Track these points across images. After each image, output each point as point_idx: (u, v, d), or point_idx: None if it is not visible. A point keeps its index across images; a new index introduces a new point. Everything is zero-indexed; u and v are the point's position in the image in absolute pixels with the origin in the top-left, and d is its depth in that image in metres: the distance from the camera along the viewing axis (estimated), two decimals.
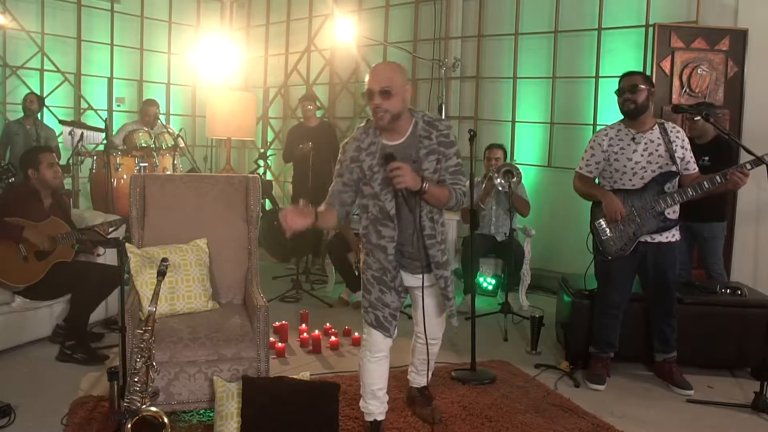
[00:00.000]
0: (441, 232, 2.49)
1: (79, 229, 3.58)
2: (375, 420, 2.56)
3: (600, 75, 5.11)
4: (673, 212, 3.21)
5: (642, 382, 3.41)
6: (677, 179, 3.21)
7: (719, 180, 3.02)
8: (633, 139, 3.22)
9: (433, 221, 2.43)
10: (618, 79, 3.28)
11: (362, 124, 2.49)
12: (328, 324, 4.04)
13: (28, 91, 6.02)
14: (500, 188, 4.35)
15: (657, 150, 3.19)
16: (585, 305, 3.50)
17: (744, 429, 2.92)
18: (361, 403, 2.60)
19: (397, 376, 3.30)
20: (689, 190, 3.11)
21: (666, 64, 4.28)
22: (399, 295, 2.51)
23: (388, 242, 2.40)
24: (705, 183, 3.06)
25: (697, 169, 3.24)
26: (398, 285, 2.50)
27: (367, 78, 2.33)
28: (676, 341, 3.34)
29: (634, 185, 3.22)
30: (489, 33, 5.75)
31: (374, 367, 2.50)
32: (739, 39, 4.26)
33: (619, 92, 3.22)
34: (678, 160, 3.16)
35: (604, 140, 3.28)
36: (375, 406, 2.55)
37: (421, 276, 2.41)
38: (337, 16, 6.30)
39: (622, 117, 3.31)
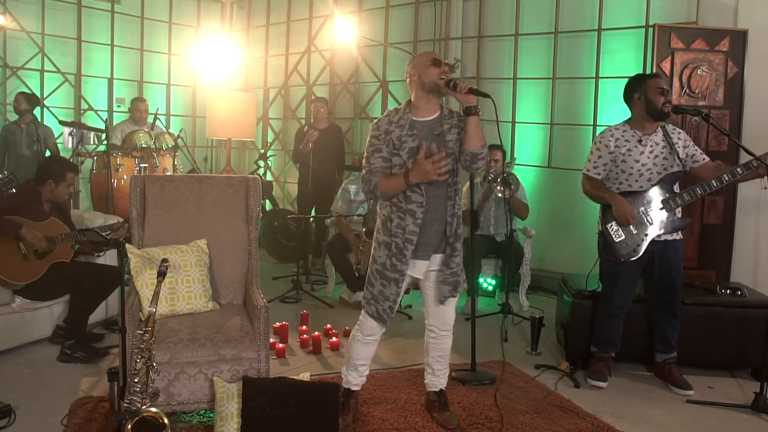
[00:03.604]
0: (459, 213, 2.68)
1: (79, 230, 3.58)
2: (350, 389, 2.81)
3: (600, 76, 5.11)
4: (679, 212, 3.25)
5: (642, 383, 3.41)
6: (680, 180, 3.24)
7: (741, 171, 3.03)
8: (640, 141, 3.23)
9: (457, 193, 2.64)
10: (646, 75, 3.28)
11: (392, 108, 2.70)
12: (328, 324, 4.04)
13: (28, 92, 6.02)
14: (499, 195, 4.38)
15: (662, 152, 3.22)
16: (585, 306, 3.50)
17: (744, 429, 2.92)
18: (343, 370, 2.84)
19: (397, 377, 3.31)
20: (698, 189, 3.12)
21: (666, 65, 4.28)
22: (398, 286, 2.62)
23: (417, 207, 2.54)
24: (725, 176, 3.06)
25: (706, 158, 3.25)
26: (403, 272, 2.59)
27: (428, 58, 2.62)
28: (676, 341, 3.35)
29: (641, 187, 3.22)
30: (489, 34, 5.76)
31: (362, 347, 2.74)
32: (738, 40, 4.26)
33: (665, 92, 3.18)
34: (681, 160, 3.20)
35: (610, 141, 3.27)
36: (353, 377, 2.80)
37: (437, 256, 2.65)
38: (338, 16, 6.31)
39: (625, 118, 3.35)
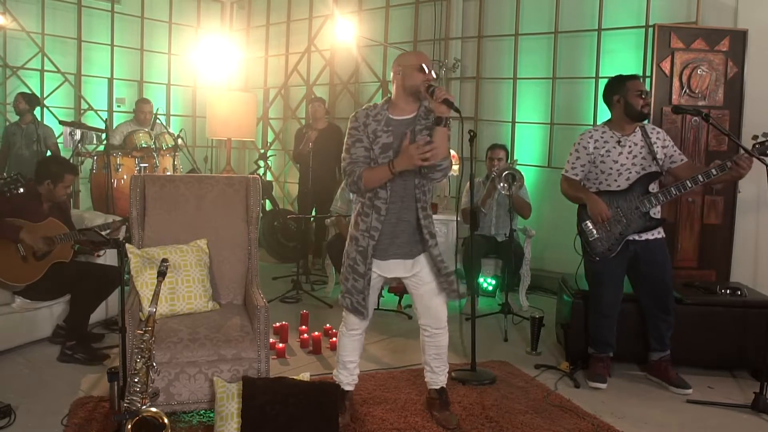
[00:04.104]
0: (430, 215, 2.69)
1: (79, 230, 3.58)
2: (342, 389, 2.81)
3: (600, 76, 5.11)
4: (657, 212, 3.27)
5: (642, 383, 3.41)
6: (659, 180, 3.27)
7: (715, 172, 3.04)
8: (618, 141, 3.27)
9: (425, 195, 2.64)
10: (625, 77, 3.29)
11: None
12: (328, 324, 4.04)
13: (28, 92, 6.02)
14: (503, 191, 4.37)
15: (641, 152, 3.26)
16: (585, 305, 3.51)
17: (744, 429, 2.92)
18: (334, 371, 2.88)
19: (397, 377, 3.31)
20: (673, 189, 3.16)
21: (666, 65, 4.28)
22: (365, 280, 2.62)
23: (382, 203, 2.57)
24: (700, 177, 3.08)
25: (684, 158, 3.27)
26: (368, 267, 2.60)
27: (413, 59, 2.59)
28: (669, 339, 3.35)
29: (619, 186, 3.26)
30: (489, 34, 5.76)
31: (348, 342, 2.79)
32: (738, 40, 4.26)
33: (644, 94, 3.21)
34: (659, 160, 3.23)
35: (589, 142, 3.32)
36: (344, 376, 2.83)
37: (415, 259, 2.66)
38: (338, 16, 6.31)
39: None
